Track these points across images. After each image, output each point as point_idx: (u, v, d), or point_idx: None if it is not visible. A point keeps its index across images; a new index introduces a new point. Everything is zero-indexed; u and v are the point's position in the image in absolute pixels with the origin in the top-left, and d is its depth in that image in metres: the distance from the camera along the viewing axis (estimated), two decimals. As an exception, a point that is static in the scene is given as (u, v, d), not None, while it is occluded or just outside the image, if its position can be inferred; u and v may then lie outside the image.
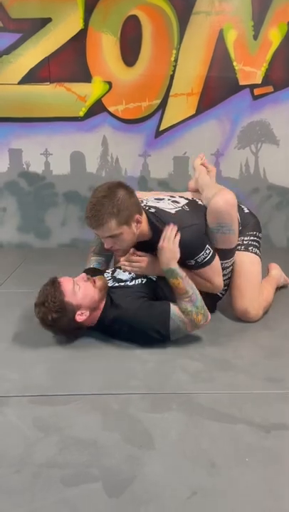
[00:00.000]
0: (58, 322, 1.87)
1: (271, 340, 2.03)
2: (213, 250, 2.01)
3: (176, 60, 3.26)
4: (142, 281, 2.03)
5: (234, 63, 3.27)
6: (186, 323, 1.88)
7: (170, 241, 1.88)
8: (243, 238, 2.21)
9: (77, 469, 1.26)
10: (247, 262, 2.18)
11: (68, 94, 3.30)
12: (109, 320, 1.95)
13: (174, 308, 1.88)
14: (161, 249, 1.89)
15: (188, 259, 1.96)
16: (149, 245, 1.99)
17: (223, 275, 2.11)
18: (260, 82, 3.31)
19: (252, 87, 3.32)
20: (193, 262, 1.97)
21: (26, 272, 2.98)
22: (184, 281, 1.88)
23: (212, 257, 1.99)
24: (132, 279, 2.05)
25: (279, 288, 2.53)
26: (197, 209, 2.11)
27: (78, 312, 1.89)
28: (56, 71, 3.26)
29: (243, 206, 2.31)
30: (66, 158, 3.44)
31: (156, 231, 1.95)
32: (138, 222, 1.89)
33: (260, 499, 1.17)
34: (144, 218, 1.94)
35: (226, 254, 2.10)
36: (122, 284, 2.04)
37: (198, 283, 1.99)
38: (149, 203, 2.08)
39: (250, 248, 2.21)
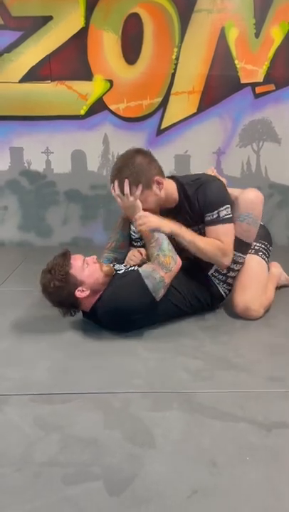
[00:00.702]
0: (58, 291, 1.92)
1: (272, 338, 2.02)
2: (232, 216, 2.07)
3: (177, 58, 3.25)
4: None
5: (236, 61, 3.26)
6: (156, 269, 1.93)
7: (129, 197, 1.98)
8: (254, 244, 2.26)
9: (78, 468, 1.26)
10: (253, 262, 2.21)
11: (69, 92, 3.30)
12: (100, 307, 1.98)
13: (142, 268, 1.96)
14: (125, 207, 2.03)
15: (211, 211, 2.03)
16: (174, 212, 2.12)
17: (231, 274, 2.16)
18: (261, 81, 3.31)
19: (253, 85, 3.32)
20: (215, 215, 2.03)
21: (27, 271, 2.98)
22: (151, 233, 1.98)
23: (231, 219, 2.07)
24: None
25: (280, 287, 2.52)
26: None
27: (79, 288, 1.93)
28: (57, 69, 3.25)
29: None
30: (67, 156, 3.44)
31: (184, 192, 2.08)
32: (159, 183, 2.01)
33: (261, 498, 1.17)
34: (171, 184, 2.08)
35: (243, 246, 2.16)
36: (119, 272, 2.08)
37: (212, 252, 2.03)
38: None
39: (259, 253, 2.25)
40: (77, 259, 1.99)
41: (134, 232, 2.26)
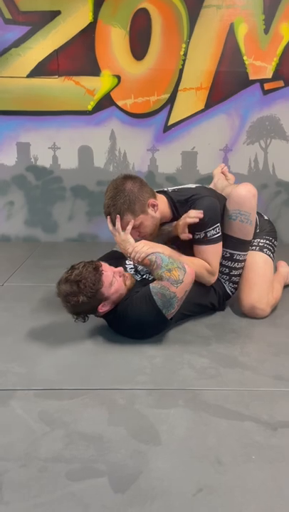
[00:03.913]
0: (82, 305, 1.84)
1: (279, 337, 2.01)
2: (221, 235, 2.06)
3: (185, 54, 3.24)
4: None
5: (244, 57, 3.24)
6: (165, 285, 1.82)
7: (120, 233, 1.96)
8: (259, 240, 2.25)
9: (83, 464, 1.26)
10: (259, 260, 2.20)
11: (77, 87, 3.29)
12: (114, 317, 1.95)
13: (152, 284, 1.87)
14: (118, 242, 1.99)
15: (199, 230, 2.00)
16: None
17: (235, 272, 2.15)
18: (270, 77, 3.29)
19: (262, 81, 3.29)
20: (202, 235, 2.01)
21: (33, 266, 2.98)
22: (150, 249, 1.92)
23: (219, 238, 2.05)
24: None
25: (287, 286, 2.51)
26: (216, 193, 2.21)
27: (103, 303, 1.89)
28: (65, 64, 3.25)
29: (262, 214, 2.40)
30: (74, 152, 3.43)
31: (176, 209, 2.05)
32: (154, 206, 2.00)
33: (266, 497, 1.16)
34: (163, 200, 2.05)
35: (241, 245, 2.14)
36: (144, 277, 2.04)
37: (199, 272, 1.99)
38: (170, 188, 2.18)
39: (264, 250, 2.24)
40: (109, 275, 1.88)
41: (129, 261, 2.18)
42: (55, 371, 1.73)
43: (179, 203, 2.05)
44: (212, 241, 2.02)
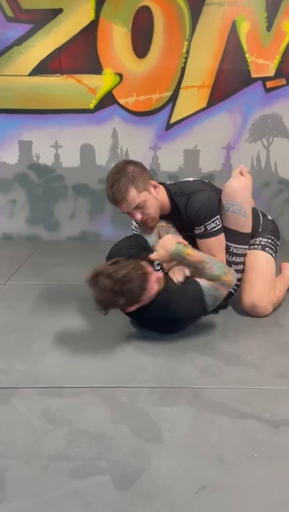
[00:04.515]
0: (116, 304, 1.80)
1: (282, 336, 2.01)
2: (222, 227, 2.07)
3: (187, 52, 3.23)
4: None
5: (247, 55, 3.23)
6: (219, 288, 1.90)
7: (165, 236, 2.00)
8: (261, 239, 2.25)
9: (86, 462, 1.26)
10: (261, 259, 2.20)
11: (79, 86, 3.28)
12: (149, 313, 1.90)
13: (203, 283, 1.88)
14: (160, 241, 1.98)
15: (198, 224, 2.03)
16: (168, 220, 2.13)
17: (234, 267, 2.13)
18: (272, 75, 3.27)
19: (264, 79, 3.28)
20: (202, 229, 2.03)
21: (35, 265, 2.99)
22: (193, 250, 1.93)
23: (220, 230, 2.06)
24: None
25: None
26: (215, 187, 2.21)
27: (134, 305, 1.86)
28: (67, 62, 3.24)
29: (267, 214, 2.40)
30: (76, 150, 3.43)
31: (175, 201, 2.07)
32: (155, 187, 2.04)
33: (269, 495, 1.16)
34: (162, 190, 2.08)
35: (235, 236, 2.13)
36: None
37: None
38: (168, 182, 2.20)
39: (266, 249, 2.23)
40: (151, 283, 1.84)
41: (135, 228, 2.24)
42: (57, 369, 1.73)
43: (176, 196, 2.07)
44: (213, 233, 2.04)
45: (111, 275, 1.76)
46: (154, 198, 2.03)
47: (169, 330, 1.97)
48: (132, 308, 1.87)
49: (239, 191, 2.10)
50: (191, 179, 2.20)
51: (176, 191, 2.08)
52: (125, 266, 1.81)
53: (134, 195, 1.96)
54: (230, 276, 1.93)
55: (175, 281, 1.93)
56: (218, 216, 2.05)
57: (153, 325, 1.97)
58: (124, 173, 1.96)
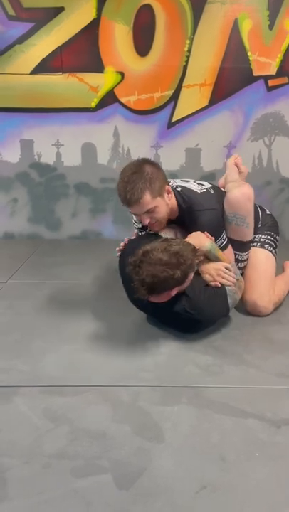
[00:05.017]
0: (170, 281, 1.73)
1: (283, 335, 2.01)
2: (228, 239, 2.08)
3: (189, 50, 3.22)
4: None
5: (248, 54, 3.21)
6: (238, 292, 2.00)
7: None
8: (260, 236, 2.25)
9: (87, 461, 1.26)
10: (261, 257, 2.20)
11: (80, 84, 3.28)
12: (178, 309, 1.88)
13: (228, 288, 1.95)
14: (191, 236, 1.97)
15: None
16: (179, 221, 2.11)
17: (241, 273, 2.14)
18: (274, 73, 3.26)
19: (266, 78, 3.27)
20: None
21: (37, 263, 2.99)
22: (218, 250, 2.00)
23: (226, 245, 2.08)
24: None
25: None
26: (220, 194, 2.17)
27: (178, 287, 1.82)
28: (68, 61, 3.23)
29: (265, 208, 2.40)
30: (77, 149, 3.42)
31: (182, 209, 2.04)
32: (169, 192, 2.01)
33: (270, 494, 1.16)
34: (172, 196, 2.05)
35: (240, 246, 2.14)
36: None
37: None
38: (176, 183, 2.14)
39: (265, 246, 2.23)
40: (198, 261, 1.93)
41: (135, 222, 2.24)
42: (58, 368, 1.73)
43: (183, 206, 2.04)
44: (221, 249, 2.04)
45: (166, 248, 1.74)
46: (166, 204, 2.00)
47: (189, 329, 1.96)
48: (173, 293, 1.80)
49: (243, 204, 2.09)
50: (199, 191, 2.10)
51: (183, 204, 2.04)
52: (177, 242, 1.82)
53: (148, 200, 1.91)
54: (241, 282, 2.04)
55: (209, 279, 1.95)
56: (224, 232, 2.06)
57: (173, 322, 1.96)
58: (142, 174, 1.90)
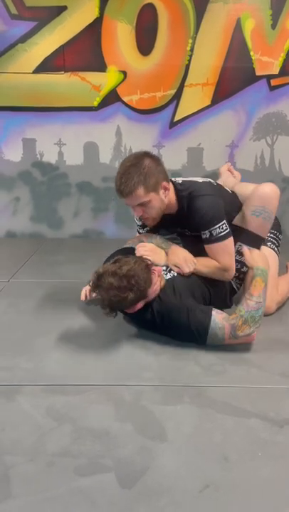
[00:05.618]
0: (125, 302, 1.76)
1: (285, 335, 2.01)
2: (229, 230, 2.01)
3: (192, 50, 3.22)
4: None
5: (251, 53, 3.22)
6: (226, 329, 1.77)
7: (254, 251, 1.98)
8: None
9: (90, 459, 1.26)
10: None
11: (83, 83, 3.28)
12: (153, 312, 1.89)
13: (215, 316, 1.81)
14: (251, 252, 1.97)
15: (204, 229, 1.98)
16: (175, 219, 2.08)
17: (245, 269, 2.13)
18: (277, 73, 3.27)
19: (269, 77, 3.28)
20: (207, 234, 1.98)
21: (39, 262, 2.99)
22: (265, 286, 1.84)
23: (227, 235, 2.00)
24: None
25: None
26: (222, 190, 2.17)
27: (141, 302, 1.84)
28: (71, 60, 3.24)
29: None
30: (80, 148, 3.43)
31: (182, 198, 2.02)
32: (166, 189, 1.97)
33: (272, 493, 1.16)
34: (171, 190, 2.02)
35: (257, 241, 2.15)
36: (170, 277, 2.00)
37: (213, 272, 2.02)
38: (177, 178, 2.15)
39: (268, 244, 2.23)
40: (155, 276, 1.86)
41: (136, 220, 2.25)
42: (61, 367, 1.73)
43: (182, 196, 2.02)
44: (219, 239, 1.99)
45: (115, 272, 1.75)
46: (161, 200, 1.98)
47: (168, 334, 1.93)
48: (139, 306, 1.85)
49: (274, 200, 2.11)
50: (200, 180, 2.11)
51: (183, 192, 2.03)
52: (127, 261, 1.81)
53: (140, 194, 1.91)
54: (246, 329, 1.76)
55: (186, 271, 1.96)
56: (225, 221, 2.00)
57: (152, 327, 1.94)
58: (139, 167, 1.89)
